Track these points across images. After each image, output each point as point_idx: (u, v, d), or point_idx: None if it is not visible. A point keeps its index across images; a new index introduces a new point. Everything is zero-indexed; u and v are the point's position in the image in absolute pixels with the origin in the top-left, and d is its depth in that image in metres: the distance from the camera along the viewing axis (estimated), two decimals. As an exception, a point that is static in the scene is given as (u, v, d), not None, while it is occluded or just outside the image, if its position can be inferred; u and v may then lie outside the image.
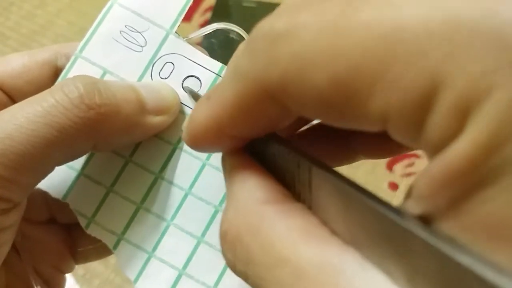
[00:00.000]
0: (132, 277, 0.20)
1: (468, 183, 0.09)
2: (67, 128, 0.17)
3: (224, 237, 0.13)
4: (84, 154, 0.20)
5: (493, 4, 0.08)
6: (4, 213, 0.17)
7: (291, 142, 0.14)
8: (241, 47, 0.14)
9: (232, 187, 0.14)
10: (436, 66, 0.09)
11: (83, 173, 0.21)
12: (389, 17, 0.09)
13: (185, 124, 0.15)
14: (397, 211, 0.10)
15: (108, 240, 0.21)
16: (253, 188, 0.13)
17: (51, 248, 0.23)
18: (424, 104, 0.09)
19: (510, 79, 0.08)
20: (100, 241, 0.21)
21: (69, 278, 0.45)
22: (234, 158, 0.15)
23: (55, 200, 0.21)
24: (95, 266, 0.47)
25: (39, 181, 0.18)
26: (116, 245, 0.21)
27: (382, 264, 0.10)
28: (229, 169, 0.15)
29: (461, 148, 0.09)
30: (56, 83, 0.21)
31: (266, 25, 0.12)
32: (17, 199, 0.18)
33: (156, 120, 0.20)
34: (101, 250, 0.23)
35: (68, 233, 0.24)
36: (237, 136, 0.14)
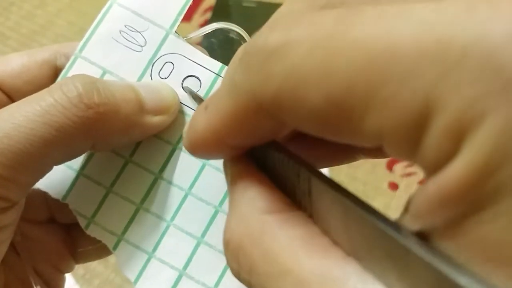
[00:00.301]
0: (132, 277, 0.20)
1: (464, 205, 0.09)
2: (65, 127, 0.17)
3: (227, 246, 0.13)
4: (83, 153, 0.20)
5: (486, 24, 0.08)
6: (2, 212, 0.17)
7: (290, 150, 0.14)
8: (238, 54, 0.14)
9: (234, 196, 0.14)
10: (430, 87, 0.09)
11: (82, 173, 0.21)
12: (382, 35, 0.09)
13: (185, 130, 0.16)
14: (395, 225, 0.10)
15: (108, 240, 0.21)
16: (254, 197, 0.13)
17: (51, 248, 0.23)
18: (418, 125, 0.09)
19: (503, 103, 0.08)
20: (100, 241, 0.21)
21: (69, 278, 0.45)
22: (235, 167, 0.15)
23: (55, 200, 0.21)
24: (95, 266, 0.47)
25: (37, 180, 0.18)
26: (116, 246, 0.21)
27: (382, 276, 0.10)
28: (230, 177, 0.15)
29: (456, 171, 0.09)
30: (56, 82, 0.20)
31: (260, 39, 0.12)
32: (15, 198, 0.18)
33: (155, 120, 0.20)
34: (101, 250, 0.23)
35: (67, 233, 0.24)
36: (235, 146, 0.14)
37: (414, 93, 0.09)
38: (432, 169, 0.09)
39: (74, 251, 0.24)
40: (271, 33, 0.12)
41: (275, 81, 0.11)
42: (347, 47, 0.10)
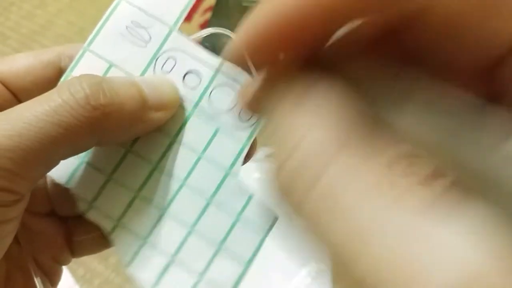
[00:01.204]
0: (125, 261, 0.21)
1: None
2: (73, 126, 0.18)
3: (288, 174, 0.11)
4: (88, 149, 0.20)
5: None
6: (10, 204, 0.18)
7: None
8: None
9: (300, 118, 0.11)
10: None
11: (85, 161, 0.22)
12: None
13: (241, 30, 0.13)
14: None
15: (106, 224, 0.22)
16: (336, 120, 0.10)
17: (51, 240, 0.24)
18: None
19: None
20: (95, 231, 0.22)
21: (69, 278, 0.45)
22: (301, 79, 0.11)
23: (56, 193, 0.23)
24: (95, 266, 0.47)
25: (44, 174, 0.19)
26: (112, 230, 0.22)
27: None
28: (293, 95, 0.11)
29: None
30: (65, 75, 0.22)
31: None
32: (23, 192, 0.19)
33: (157, 115, 0.21)
34: (96, 242, 0.24)
35: (66, 226, 0.25)
36: (307, 37, 0.11)
37: None
38: None
39: (71, 243, 0.25)
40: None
41: None
42: None
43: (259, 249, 0.21)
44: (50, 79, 0.22)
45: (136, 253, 0.21)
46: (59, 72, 0.22)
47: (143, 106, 0.20)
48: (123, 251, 0.22)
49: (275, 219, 0.21)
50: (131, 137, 0.22)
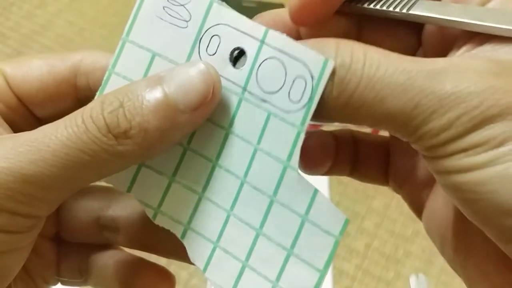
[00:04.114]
0: (201, 266, 0.20)
1: None
2: (98, 153, 0.17)
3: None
4: (123, 170, 0.19)
5: None
6: (28, 230, 0.18)
7: None
8: None
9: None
10: None
11: (143, 164, 0.21)
12: None
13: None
14: None
15: (176, 229, 0.20)
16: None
17: (47, 262, 0.24)
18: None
19: None
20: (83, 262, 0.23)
21: None
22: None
23: (64, 217, 0.22)
24: None
25: (67, 198, 0.19)
26: (183, 235, 0.20)
27: None
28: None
29: None
30: (107, 72, 0.20)
31: None
32: (42, 216, 0.18)
33: (194, 116, 0.18)
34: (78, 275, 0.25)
35: (59, 248, 0.25)
36: None
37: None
38: None
39: (60, 267, 0.25)
40: None
41: None
42: None
43: (332, 255, 0.19)
44: (63, 96, 0.22)
45: (210, 258, 0.20)
46: (74, 89, 0.22)
47: (173, 114, 0.18)
48: (197, 256, 0.20)
49: (346, 221, 0.19)
50: (172, 145, 0.20)
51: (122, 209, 0.25)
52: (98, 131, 0.17)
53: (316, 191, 0.19)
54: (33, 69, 0.22)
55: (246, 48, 0.19)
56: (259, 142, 0.19)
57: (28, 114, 0.22)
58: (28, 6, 0.64)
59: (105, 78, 0.20)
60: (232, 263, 0.20)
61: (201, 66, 0.18)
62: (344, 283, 0.47)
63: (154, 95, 0.18)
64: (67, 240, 0.25)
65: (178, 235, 0.20)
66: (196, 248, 0.20)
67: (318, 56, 0.18)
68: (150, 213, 0.21)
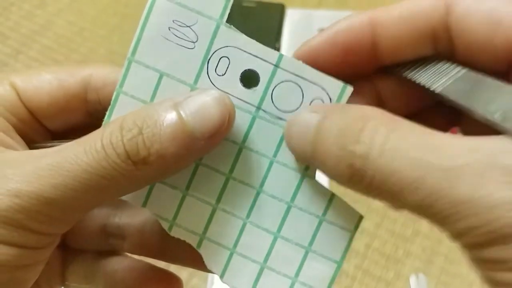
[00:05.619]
0: (218, 272, 0.21)
1: None
2: (116, 178, 0.18)
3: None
4: (139, 190, 0.20)
5: None
6: (49, 245, 0.19)
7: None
8: None
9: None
10: None
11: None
12: None
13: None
14: None
15: (192, 240, 0.21)
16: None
17: (52, 267, 0.24)
18: None
19: None
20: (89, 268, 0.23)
21: None
22: None
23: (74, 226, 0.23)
24: None
25: (85, 215, 0.20)
26: (199, 244, 0.21)
27: None
28: None
29: None
30: (115, 91, 0.21)
31: None
32: (62, 232, 0.19)
33: (208, 142, 0.19)
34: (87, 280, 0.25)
35: (65, 254, 0.25)
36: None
37: None
38: None
39: (66, 272, 0.25)
40: None
41: None
42: None
43: (348, 248, 0.20)
44: (73, 110, 0.22)
45: (227, 264, 0.21)
46: (84, 103, 0.22)
47: (189, 142, 0.18)
48: (213, 263, 0.21)
49: (360, 218, 0.20)
50: (187, 166, 0.20)
51: (128, 216, 0.25)
52: (118, 157, 0.18)
53: (333, 194, 0.20)
54: (44, 83, 0.22)
55: (258, 70, 0.20)
56: (275, 155, 0.20)
57: (39, 126, 0.23)
58: (28, 6, 0.64)
59: (113, 97, 0.21)
60: (250, 266, 0.21)
61: (217, 95, 0.19)
62: (344, 283, 0.47)
63: (171, 122, 0.18)
64: (73, 247, 0.25)
65: (194, 245, 0.21)
66: (213, 256, 0.21)
67: (336, 82, 0.19)
68: (165, 226, 0.21)
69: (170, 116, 0.18)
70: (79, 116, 0.23)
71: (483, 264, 0.15)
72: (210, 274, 0.45)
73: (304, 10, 0.62)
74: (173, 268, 0.26)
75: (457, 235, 0.15)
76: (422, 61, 0.19)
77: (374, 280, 0.47)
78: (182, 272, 0.46)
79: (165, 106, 0.18)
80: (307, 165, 0.20)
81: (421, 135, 0.16)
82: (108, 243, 0.25)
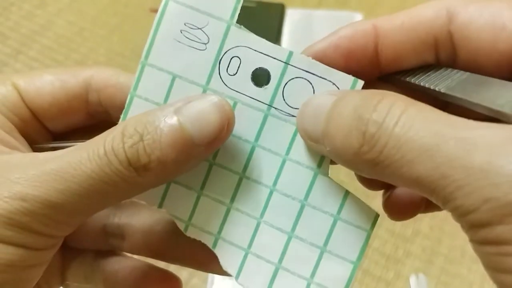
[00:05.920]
0: (233, 273, 0.21)
1: None
2: (119, 183, 0.18)
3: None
4: (140, 194, 0.20)
5: None
6: (52, 247, 0.19)
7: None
8: None
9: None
10: None
11: (173, 181, 0.22)
12: None
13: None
14: None
15: (207, 240, 0.21)
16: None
17: (52, 267, 0.24)
18: None
19: None
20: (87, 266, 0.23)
21: None
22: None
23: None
24: None
25: (88, 218, 0.20)
26: (214, 244, 0.21)
27: None
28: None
29: None
30: (129, 96, 0.21)
31: None
32: (65, 235, 0.20)
33: (207, 148, 0.19)
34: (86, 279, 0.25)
35: (64, 254, 0.25)
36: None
37: None
38: None
39: (65, 272, 0.26)
40: None
41: None
42: None
43: (365, 248, 0.20)
44: (75, 111, 0.23)
45: (242, 265, 0.21)
46: (85, 104, 0.23)
47: (189, 148, 0.18)
48: (229, 264, 0.21)
49: (377, 216, 0.20)
50: (188, 171, 0.21)
51: (128, 216, 0.25)
52: (120, 164, 0.18)
53: (347, 192, 0.20)
54: (46, 84, 0.22)
55: (269, 69, 0.20)
56: (287, 153, 0.21)
57: (40, 127, 0.23)
58: (28, 6, 0.64)
59: (127, 101, 0.21)
60: (265, 267, 0.21)
61: (217, 101, 0.19)
62: (344, 283, 0.47)
63: (172, 128, 0.18)
64: (73, 247, 0.25)
65: (210, 245, 0.21)
66: (228, 257, 0.21)
67: (347, 76, 0.20)
68: (181, 226, 0.22)
69: (170, 123, 0.18)
70: (80, 117, 0.23)
71: (493, 246, 0.14)
72: (210, 274, 0.45)
73: (304, 10, 0.62)
74: (172, 268, 0.26)
75: (466, 211, 0.14)
76: (423, 69, 0.19)
77: (374, 280, 0.47)
78: (182, 272, 0.46)
79: (166, 112, 0.19)
80: (318, 155, 0.20)
81: (438, 111, 0.16)
82: (108, 243, 0.25)
